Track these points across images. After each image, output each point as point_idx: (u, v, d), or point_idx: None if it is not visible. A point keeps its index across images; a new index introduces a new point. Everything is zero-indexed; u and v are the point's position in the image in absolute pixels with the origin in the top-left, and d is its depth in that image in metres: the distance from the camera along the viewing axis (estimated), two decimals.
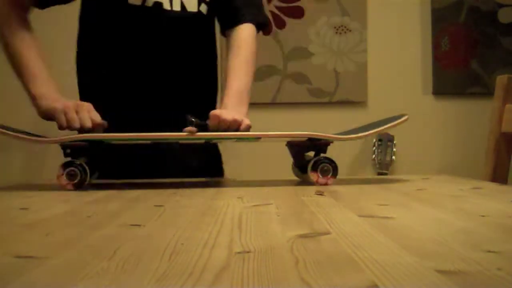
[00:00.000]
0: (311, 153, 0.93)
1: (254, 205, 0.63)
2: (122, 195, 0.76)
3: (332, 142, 0.92)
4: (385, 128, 0.90)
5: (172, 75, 1.06)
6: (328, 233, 0.44)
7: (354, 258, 0.35)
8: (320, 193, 0.74)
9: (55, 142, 0.84)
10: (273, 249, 0.38)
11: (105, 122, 0.90)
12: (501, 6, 2.22)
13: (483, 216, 0.53)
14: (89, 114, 0.88)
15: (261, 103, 2.14)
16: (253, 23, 1.13)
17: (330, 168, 0.89)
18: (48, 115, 0.92)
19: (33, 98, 0.94)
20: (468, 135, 2.25)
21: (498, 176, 1.19)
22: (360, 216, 0.53)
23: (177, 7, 1.04)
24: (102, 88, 1.06)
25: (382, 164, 2.05)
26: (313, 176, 0.88)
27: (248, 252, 0.37)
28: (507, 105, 1.20)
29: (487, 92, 2.20)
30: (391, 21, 2.27)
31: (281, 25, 2.19)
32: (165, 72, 1.06)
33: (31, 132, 0.92)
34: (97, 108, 0.90)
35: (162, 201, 0.68)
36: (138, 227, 0.48)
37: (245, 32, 1.11)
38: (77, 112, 0.88)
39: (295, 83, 2.18)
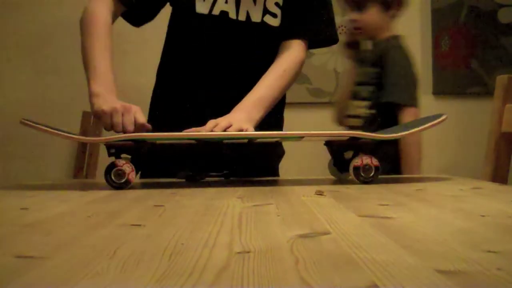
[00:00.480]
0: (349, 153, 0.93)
1: (254, 205, 0.63)
2: (122, 195, 0.76)
3: (371, 141, 0.91)
4: (425, 128, 0.90)
5: (236, 83, 1.11)
6: (328, 233, 0.44)
7: (354, 258, 0.35)
8: (320, 193, 0.74)
9: (100, 141, 0.86)
10: (273, 249, 0.38)
11: (149, 126, 0.92)
12: (501, 6, 2.22)
13: (483, 216, 0.53)
14: (135, 116, 0.90)
15: None
16: (304, 39, 1.14)
17: (373, 168, 0.89)
18: (95, 114, 0.94)
19: (90, 95, 0.96)
20: (468, 135, 2.26)
21: (498, 176, 1.19)
22: (360, 216, 0.53)
23: (242, 17, 1.09)
24: (172, 93, 1.14)
25: None
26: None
27: (248, 252, 0.37)
28: (507, 105, 1.20)
29: (487, 92, 2.20)
30: None
31: None
32: (230, 79, 1.11)
33: (70, 132, 0.92)
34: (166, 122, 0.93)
35: (162, 201, 0.68)
36: (138, 227, 0.48)
37: (292, 48, 1.13)
38: (123, 115, 0.90)
39: (295, 83, 2.18)
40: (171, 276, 0.31)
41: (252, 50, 1.12)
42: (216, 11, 1.08)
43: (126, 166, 0.84)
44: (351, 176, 0.89)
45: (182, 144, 0.95)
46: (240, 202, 0.66)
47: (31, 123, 0.85)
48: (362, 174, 0.88)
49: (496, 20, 2.23)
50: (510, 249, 0.38)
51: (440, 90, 2.25)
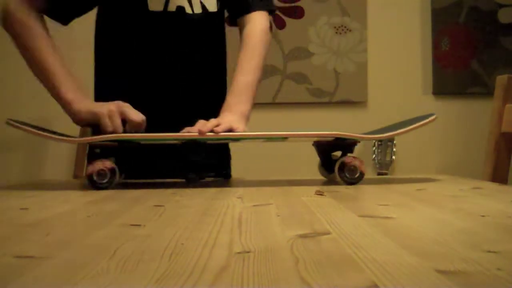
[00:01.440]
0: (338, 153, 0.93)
1: (254, 205, 0.63)
2: (122, 195, 0.76)
3: (359, 141, 0.91)
4: (413, 128, 0.89)
5: (187, 76, 1.07)
6: (328, 233, 0.44)
7: (354, 258, 0.35)
8: (320, 193, 0.74)
9: (86, 141, 0.85)
10: (273, 249, 0.38)
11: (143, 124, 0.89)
12: (501, 6, 2.22)
13: (483, 216, 0.53)
14: (129, 114, 0.88)
15: (261, 103, 2.14)
16: (264, 10, 1.11)
17: (358, 168, 0.88)
18: (88, 119, 0.90)
19: (68, 104, 0.92)
20: (468, 135, 2.25)
21: (498, 176, 1.19)
22: (360, 216, 0.53)
23: (198, 10, 1.04)
24: (119, 93, 1.05)
25: (382, 164, 2.05)
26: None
27: (248, 252, 0.37)
28: (507, 105, 1.20)
29: (487, 92, 2.19)
30: (391, 21, 2.27)
31: (281, 25, 2.19)
32: (180, 75, 1.07)
33: (57, 132, 0.91)
34: None
35: (162, 201, 0.68)
36: (138, 227, 0.48)
37: (257, 21, 1.09)
38: (121, 115, 0.87)
39: (295, 83, 2.18)
40: (171, 276, 0.31)
41: (209, 41, 1.08)
42: (172, 7, 1.02)
43: (107, 165, 0.83)
44: (337, 177, 0.89)
45: (167, 145, 0.94)
46: (240, 202, 0.66)
47: (16, 124, 0.84)
48: (347, 175, 0.88)
49: (496, 20, 2.23)
50: (510, 249, 0.38)
51: (440, 90, 2.25)
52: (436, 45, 2.24)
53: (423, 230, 0.46)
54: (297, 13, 2.20)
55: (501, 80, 1.25)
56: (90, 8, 1.06)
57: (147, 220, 0.53)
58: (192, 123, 0.90)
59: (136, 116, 0.88)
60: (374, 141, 2.11)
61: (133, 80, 1.06)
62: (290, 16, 2.20)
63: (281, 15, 2.20)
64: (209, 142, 0.94)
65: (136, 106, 0.91)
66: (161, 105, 1.06)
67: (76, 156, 2.17)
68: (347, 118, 2.22)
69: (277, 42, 2.19)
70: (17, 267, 0.34)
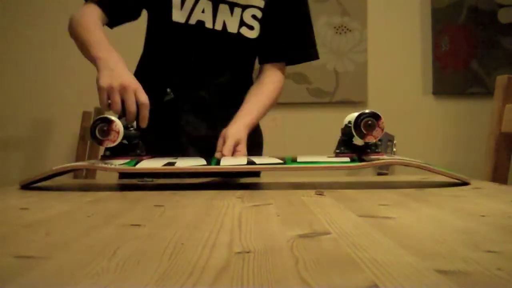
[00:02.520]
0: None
1: (254, 205, 0.63)
2: (122, 195, 0.76)
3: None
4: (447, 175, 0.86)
5: (208, 90, 1.13)
6: (328, 233, 0.44)
7: (354, 258, 0.35)
8: (320, 193, 0.74)
9: (124, 170, 0.84)
10: (273, 249, 0.38)
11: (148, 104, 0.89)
12: (501, 6, 2.22)
13: (483, 216, 0.53)
14: (136, 95, 0.88)
15: None
16: (283, 63, 1.19)
17: (375, 123, 0.82)
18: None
19: (95, 59, 0.93)
20: (468, 135, 2.26)
21: (498, 176, 1.19)
22: (360, 216, 0.53)
23: (218, 27, 1.10)
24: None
25: None
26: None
27: (248, 252, 0.37)
28: (507, 105, 1.20)
29: (487, 92, 2.20)
30: (391, 21, 2.27)
31: None
32: (202, 86, 1.13)
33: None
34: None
35: (162, 201, 0.68)
36: (138, 227, 0.48)
37: (274, 72, 1.17)
38: (122, 93, 0.87)
39: (295, 83, 2.18)
40: (171, 276, 0.31)
41: (226, 59, 1.14)
42: (192, 21, 1.09)
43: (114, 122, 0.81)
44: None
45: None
46: (240, 202, 0.66)
47: (29, 182, 0.85)
48: (363, 130, 0.83)
49: (496, 20, 2.23)
50: (510, 249, 0.38)
51: (440, 90, 2.25)
52: (436, 45, 2.24)
53: (423, 230, 0.46)
54: None
55: (501, 80, 1.25)
56: (135, 15, 1.13)
57: (147, 220, 0.53)
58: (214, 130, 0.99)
59: (143, 97, 0.88)
60: None
61: (159, 83, 1.13)
62: None
63: None
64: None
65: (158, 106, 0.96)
66: (183, 106, 1.12)
67: (76, 156, 2.17)
68: None
69: None
70: (17, 267, 0.34)
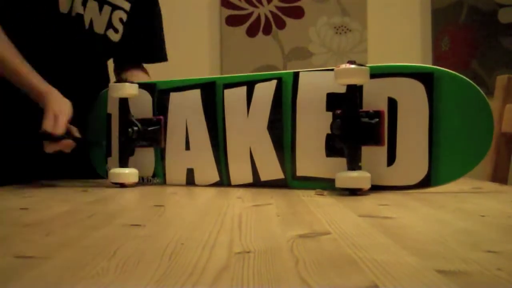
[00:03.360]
0: None
1: (254, 205, 0.63)
2: (122, 195, 0.76)
3: None
4: None
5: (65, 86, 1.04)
6: (328, 233, 0.44)
7: (354, 258, 0.35)
8: (320, 193, 0.74)
9: None
10: (273, 249, 0.38)
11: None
12: (501, 6, 2.22)
13: (483, 216, 0.53)
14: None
15: None
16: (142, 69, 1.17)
17: None
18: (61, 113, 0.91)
19: (43, 93, 0.92)
20: None
21: (498, 176, 1.19)
22: (360, 216, 0.53)
23: (87, 24, 1.05)
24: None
25: None
26: None
27: (248, 252, 0.37)
28: (507, 105, 1.20)
29: (487, 92, 2.18)
30: (391, 21, 2.27)
31: (281, 25, 2.19)
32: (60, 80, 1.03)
33: None
34: None
35: (162, 201, 0.68)
36: (138, 227, 0.48)
37: (138, 72, 1.15)
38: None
39: None
40: (171, 276, 0.31)
41: (89, 58, 1.10)
42: (73, 13, 1.02)
43: None
44: None
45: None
46: (240, 202, 0.66)
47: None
48: None
49: (496, 20, 2.23)
50: (510, 249, 0.38)
51: None
52: (436, 45, 2.24)
53: (423, 230, 0.46)
54: (297, 13, 2.20)
55: (501, 80, 1.25)
56: None
57: (147, 220, 0.53)
58: None
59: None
60: None
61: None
62: (290, 16, 2.20)
63: (281, 15, 2.20)
64: None
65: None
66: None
67: None
68: None
69: (277, 42, 2.19)
70: (17, 267, 0.34)
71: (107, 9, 1.06)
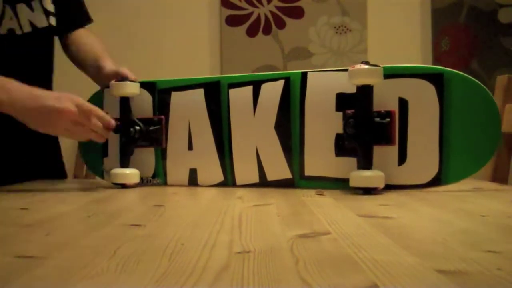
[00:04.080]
0: None
1: (254, 205, 0.63)
2: (122, 195, 0.76)
3: None
4: None
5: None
6: (328, 233, 0.44)
7: (354, 258, 0.35)
8: (320, 193, 0.74)
9: None
10: (273, 249, 0.38)
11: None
12: (501, 6, 2.22)
13: (483, 216, 0.53)
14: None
15: None
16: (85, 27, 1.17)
17: None
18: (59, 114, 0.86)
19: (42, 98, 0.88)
20: None
21: (498, 176, 1.19)
22: (360, 216, 0.53)
23: (28, 29, 1.02)
24: None
25: None
26: None
27: (248, 252, 0.37)
28: (507, 105, 1.20)
29: None
30: (391, 21, 2.27)
31: (281, 25, 2.19)
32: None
33: None
34: None
35: (162, 201, 0.68)
36: (138, 227, 0.48)
37: (88, 34, 1.15)
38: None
39: None
40: (171, 276, 0.31)
41: (36, 56, 1.08)
42: (3, 30, 0.99)
43: None
44: None
45: None
46: (240, 202, 0.66)
47: None
48: None
49: (496, 20, 2.23)
50: (510, 249, 0.38)
51: None
52: (436, 45, 2.24)
53: (423, 230, 0.46)
54: (297, 13, 2.20)
55: (501, 80, 1.25)
56: None
57: (147, 220, 0.53)
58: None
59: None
60: None
61: None
62: (290, 16, 2.20)
63: (281, 15, 2.20)
64: None
65: None
66: None
67: (76, 156, 2.17)
68: None
69: (277, 42, 2.19)
70: (17, 267, 0.34)
71: (35, 3, 1.03)
